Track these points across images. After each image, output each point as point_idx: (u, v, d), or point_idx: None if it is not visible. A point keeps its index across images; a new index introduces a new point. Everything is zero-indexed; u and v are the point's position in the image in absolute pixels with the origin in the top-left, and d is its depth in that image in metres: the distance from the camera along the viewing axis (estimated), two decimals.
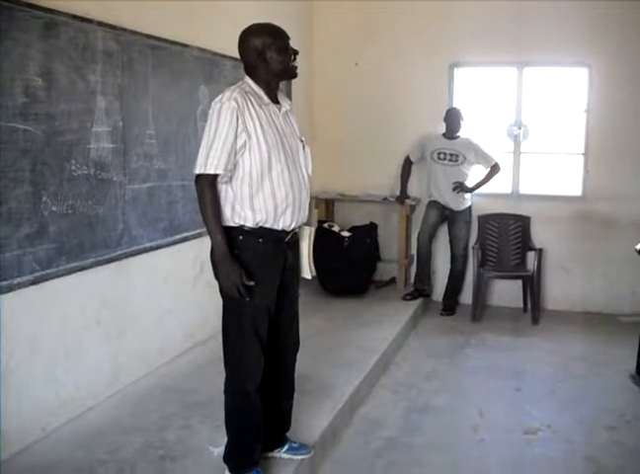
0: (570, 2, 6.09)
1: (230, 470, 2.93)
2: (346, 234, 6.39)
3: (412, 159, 6.52)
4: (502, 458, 3.62)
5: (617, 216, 6.29)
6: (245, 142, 2.68)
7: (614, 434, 3.89)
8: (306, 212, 2.92)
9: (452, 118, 6.22)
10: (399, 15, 6.56)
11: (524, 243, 6.42)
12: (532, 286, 6.16)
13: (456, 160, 6.19)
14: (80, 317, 3.57)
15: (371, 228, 6.60)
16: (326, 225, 6.45)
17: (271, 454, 3.15)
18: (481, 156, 6.22)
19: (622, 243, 5.91)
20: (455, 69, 6.63)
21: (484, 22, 6.33)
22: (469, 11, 6.35)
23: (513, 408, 4.29)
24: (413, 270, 6.67)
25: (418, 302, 6.25)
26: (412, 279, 6.63)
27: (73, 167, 3.39)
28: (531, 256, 6.33)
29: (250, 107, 2.69)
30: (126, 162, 3.83)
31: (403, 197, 6.56)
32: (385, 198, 6.69)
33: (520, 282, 6.43)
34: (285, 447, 3.18)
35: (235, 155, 2.68)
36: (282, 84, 2.98)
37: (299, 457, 3.19)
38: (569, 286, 6.50)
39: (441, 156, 6.23)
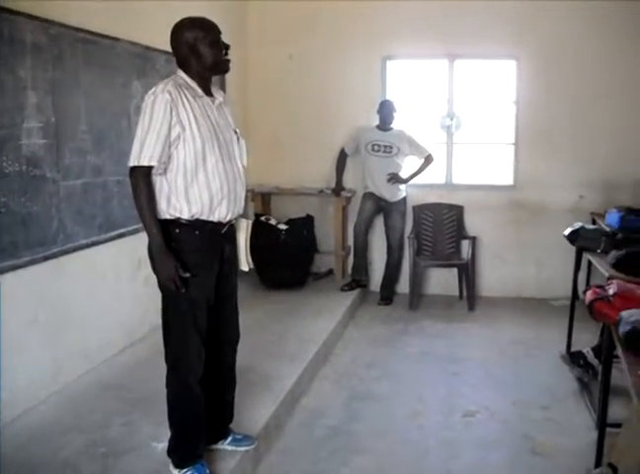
0: None
1: (174, 464, 2.93)
2: (282, 227, 6.39)
3: (347, 151, 6.59)
4: (441, 440, 3.71)
5: (547, 204, 6.49)
6: (179, 134, 2.68)
7: (548, 413, 4.04)
8: (242, 204, 2.94)
9: (386, 110, 6.30)
10: (333, 8, 6.61)
11: (459, 232, 6.56)
12: (467, 274, 6.30)
13: (390, 151, 6.27)
14: (17, 316, 3.50)
15: (308, 220, 6.64)
16: (263, 218, 6.45)
17: (214, 447, 3.15)
18: (415, 147, 6.32)
19: (552, 229, 6.03)
20: (388, 61, 6.72)
21: (416, 15, 6.42)
22: (401, 4, 6.44)
23: (451, 392, 4.39)
24: (350, 261, 6.75)
25: (356, 293, 6.32)
26: (349, 270, 6.71)
27: (4, 164, 3.32)
28: (466, 244, 6.48)
29: (184, 99, 2.70)
30: (59, 158, 3.77)
31: (339, 189, 6.61)
32: (321, 191, 6.73)
33: (455, 270, 6.57)
34: (229, 439, 3.19)
35: (169, 147, 2.68)
36: (215, 77, 2.99)
37: (243, 448, 3.21)
38: (503, 273, 6.67)
39: (376, 148, 6.30)
